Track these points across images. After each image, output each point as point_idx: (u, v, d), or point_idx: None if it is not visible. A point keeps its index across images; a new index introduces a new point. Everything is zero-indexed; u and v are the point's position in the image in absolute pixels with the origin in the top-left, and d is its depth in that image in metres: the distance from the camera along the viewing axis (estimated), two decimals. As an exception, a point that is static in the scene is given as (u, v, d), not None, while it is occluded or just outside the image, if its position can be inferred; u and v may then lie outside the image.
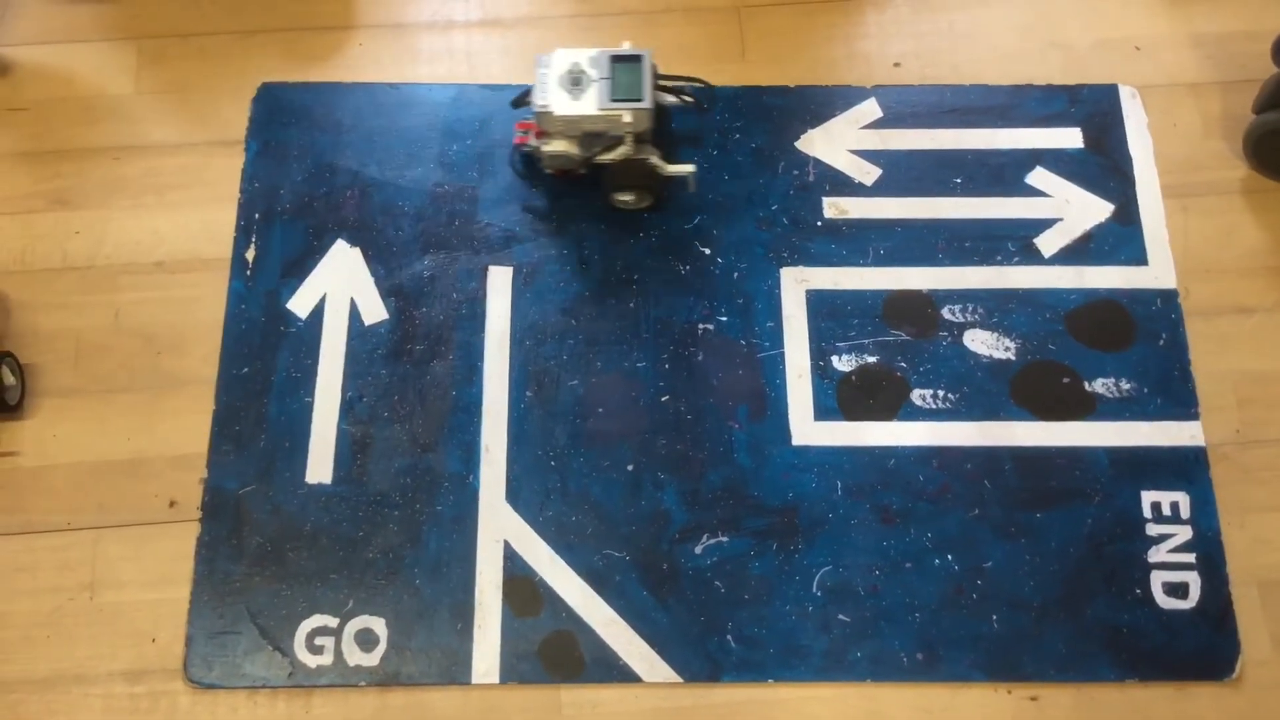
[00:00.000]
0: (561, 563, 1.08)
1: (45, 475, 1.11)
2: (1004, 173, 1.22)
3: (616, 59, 1.13)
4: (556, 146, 1.15)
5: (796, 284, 1.18)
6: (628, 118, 1.11)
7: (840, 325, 1.16)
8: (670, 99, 1.18)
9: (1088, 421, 1.12)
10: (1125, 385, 1.14)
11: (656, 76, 1.14)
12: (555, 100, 1.12)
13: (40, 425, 1.13)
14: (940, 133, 1.24)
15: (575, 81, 1.11)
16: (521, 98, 1.19)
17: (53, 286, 1.18)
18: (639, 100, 1.11)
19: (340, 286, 1.18)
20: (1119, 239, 1.19)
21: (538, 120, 1.14)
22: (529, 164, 1.22)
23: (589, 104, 1.11)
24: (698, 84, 1.21)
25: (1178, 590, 1.06)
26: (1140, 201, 1.21)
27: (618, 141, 1.14)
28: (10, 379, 1.12)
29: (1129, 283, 1.18)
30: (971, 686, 1.04)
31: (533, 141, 1.17)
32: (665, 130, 1.21)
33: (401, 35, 1.29)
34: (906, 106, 1.25)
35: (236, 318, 1.16)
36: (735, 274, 1.18)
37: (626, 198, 1.18)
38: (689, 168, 1.17)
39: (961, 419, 1.12)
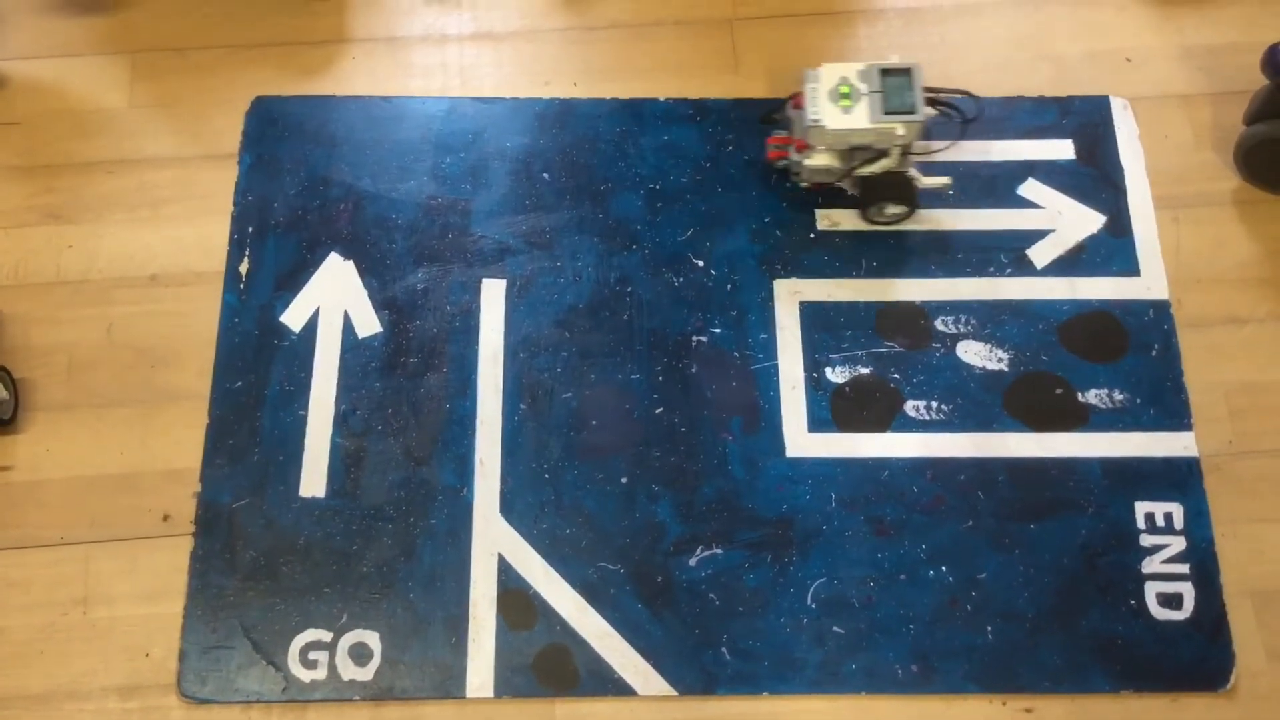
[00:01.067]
0: (556, 576, 1.07)
1: (38, 490, 1.11)
2: (996, 184, 1.23)
3: (886, 72, 1.12)
4: (820, 160, 1.15)
5: (790, 296, 1.18)
6: (900, 130, 1.11)
7: (833, 337, 1.16)
8: (933, 111, 1.17)
9: (1081, 433, 1.12)
10: (1118, 396, 1.14)
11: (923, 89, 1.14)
12: (827, 114, 1.11)
13: (33, 440, 1.13)
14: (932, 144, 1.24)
15: (845, 95, 1.11)
16: (771, 113, 1.20)
17: (46, 301, 1.18)
18: (912, 113, 1.11)
19: (334, 300, 1.18)
20: (1111, 250, 1.20)
21: (806, 135, 1.13)
22: (782, 178, 1.21)
23: (861, 118, 1.11)
24: (963, 95, 1.21)
25: (1172, 601, 1.06)
26: (1132, 213, 1.21)
27: (880, 154, 1.14)
28: (3, 393, 1.11)
29: (1121, 294, 1.18)
30: (966, 698, 1.04)
31: (793, 155, 1.17)
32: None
33: (395, 49, 1.30)
34: (899, 118, 1.26)
35: (230, 331, 1.16)
36: (729, 286, 1.18)
37: (890, 210, 1.18)
38: (945, 180, 1.18)
39: (955, 430, 1.13)
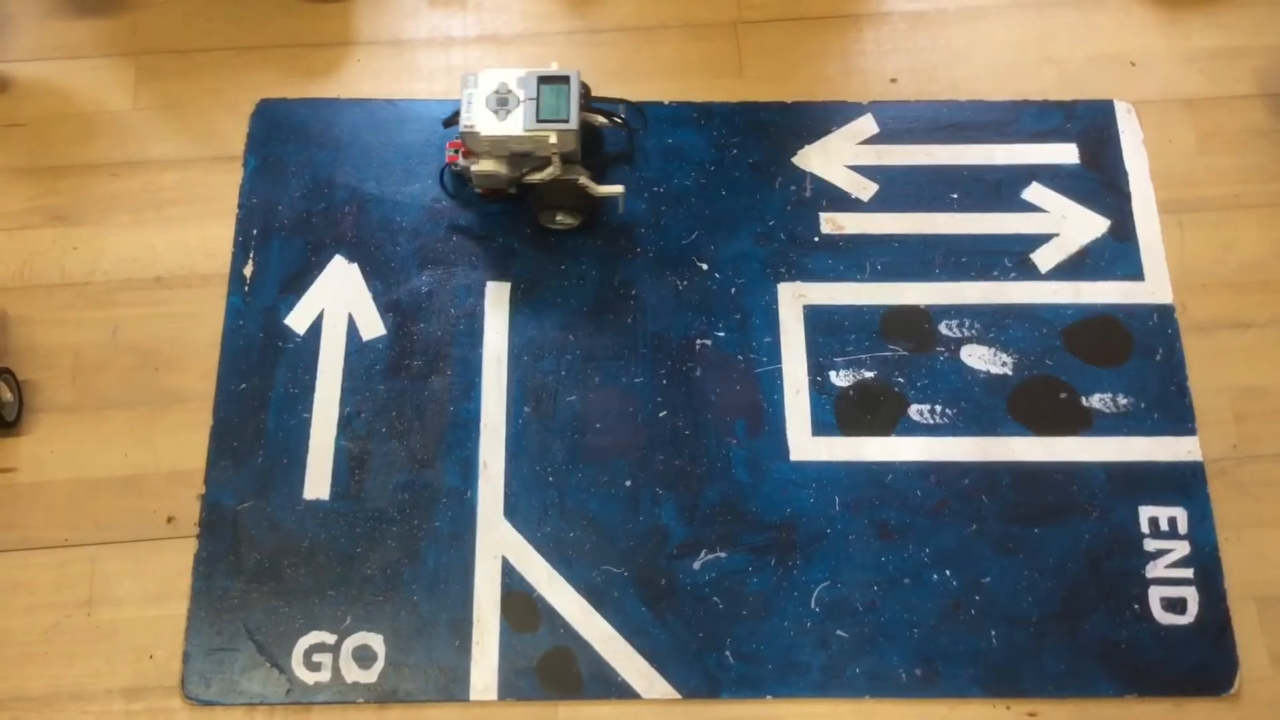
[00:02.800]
0: (560, 579, 1.08)
1: (42, 491, 1.11)
2: (1000, 188, 1.23)
3: (544, 80, 1.13)
4: (485, 167, 1.15)
5: (794, 299, 1.18)
6: (553, 139, 1.11)
7: (837, 340, 1.16)
8: (600, 120, 1.18)
9: (1085, 437, 1.12)
10: (1122, 400, 1.14)
11: (587, 98, 1.15)
12: (481, 120, 1.12)
13: (37, 441, 1.13)
14: (937, 148, 1.24)
15: (502, 102, 1.11)
16: (453, 117, 1.18)
17: (50, 302, 1.18)
18: (565, 121, 1.11)
19: (338, 302, 1.18)
20: (1115, 254, 1.20)
21: (464, 140, 1.14)
22: (459, 183, 1.22)
23: (514, 125, 1.11)
24: (628, 104, 1.22)
25: (1175, 606, 1.06)
26: (1136, 217, 1.21)
27: (546, 162, 1.14)
28: (7, 395, 1.12)
29: (1125, 298, 1.18)
30: (970, 703, 1.04)
31: (461, 161, 1.16)
32: (598, 151, 1.22)
33: (399, 51, 1.30)
34: (903, 122, 1.26)
35: (234, 333, 1.16)
36: (733, 289, 1.18)
37: (558, 218, 1.18)
38: (618, 189, 1.17)
39: (959, 434, 1.13)
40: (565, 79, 1.13)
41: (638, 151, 1.23)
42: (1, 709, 1.04)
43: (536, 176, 1.15)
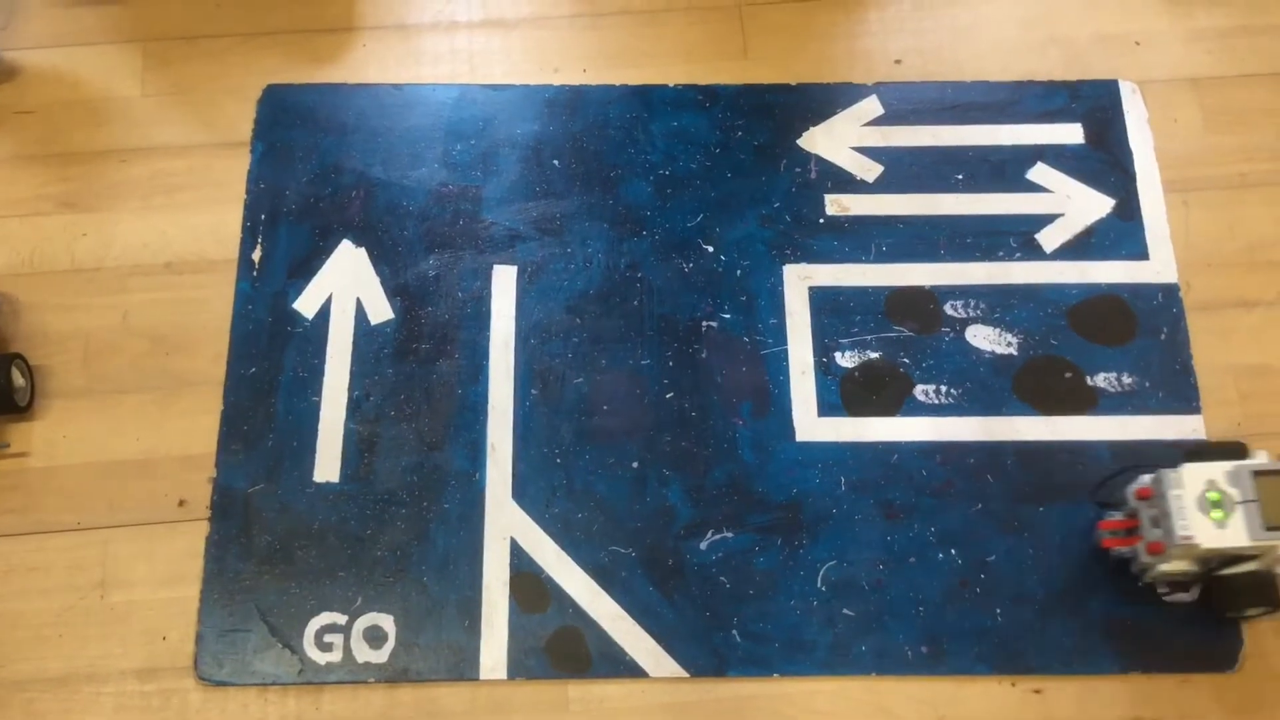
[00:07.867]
0: (568, 559, 1.08)
1: (55, 475, 1.12)
2: (1005, 169, 1.23)
3: (1260, 474, 0.98)
4: (1177, 566, 1.02)
5: (799, 281, 1.18)
6: None
7: (843, 322, 1.17)
8: None
9: (1090, 416, 1.13)
10: (1127, 379, 1.14)
11: None
12: (1199, 529, 0.97)
13: (50, 426, 1.14)
14: (942, 129, 1.24)
15: (1215, 504, 0.98)
16: (1103, 488, 1.08)
17: (61, 288, 1.19)
18: None
19: (346, 286, 1.18)
20: (1120, 234, 1.20)
21: (1172, 548, 0.99)
22: (1120, 562, 1.07)
23: (1239, 534, 0.97)
24: None
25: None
26: (1141, 196, 1.21)
27: (1247, 557, 1.00)
28: (20, 380, 1.13)
29: (1130, 277, 1.18)
30: (976, 680, 1.05)
31: (1143, 557, 1.03)
32: None
33: (405, 37, 1.30)
34: (908, 103, 1.26)
35: (244, 318, 1.17)
36: (738, 271, 1.19)
37: (1246, 612, 1.03)
38: None
39: (964, 414, 1.13)
40: None
41: None
42: (17, 690, 1.05)
43: (1231, 570, 1.01)
